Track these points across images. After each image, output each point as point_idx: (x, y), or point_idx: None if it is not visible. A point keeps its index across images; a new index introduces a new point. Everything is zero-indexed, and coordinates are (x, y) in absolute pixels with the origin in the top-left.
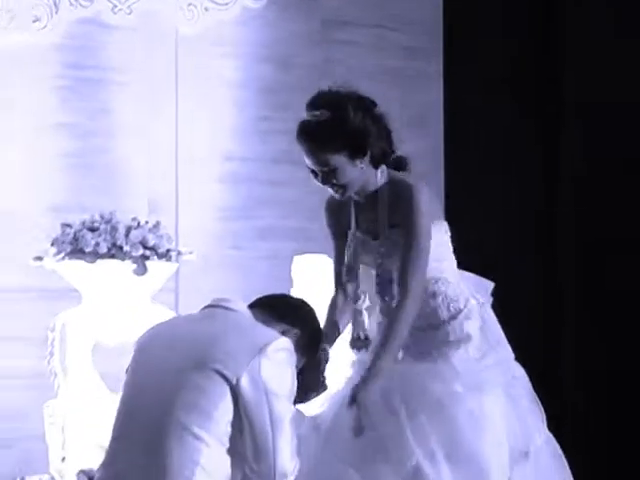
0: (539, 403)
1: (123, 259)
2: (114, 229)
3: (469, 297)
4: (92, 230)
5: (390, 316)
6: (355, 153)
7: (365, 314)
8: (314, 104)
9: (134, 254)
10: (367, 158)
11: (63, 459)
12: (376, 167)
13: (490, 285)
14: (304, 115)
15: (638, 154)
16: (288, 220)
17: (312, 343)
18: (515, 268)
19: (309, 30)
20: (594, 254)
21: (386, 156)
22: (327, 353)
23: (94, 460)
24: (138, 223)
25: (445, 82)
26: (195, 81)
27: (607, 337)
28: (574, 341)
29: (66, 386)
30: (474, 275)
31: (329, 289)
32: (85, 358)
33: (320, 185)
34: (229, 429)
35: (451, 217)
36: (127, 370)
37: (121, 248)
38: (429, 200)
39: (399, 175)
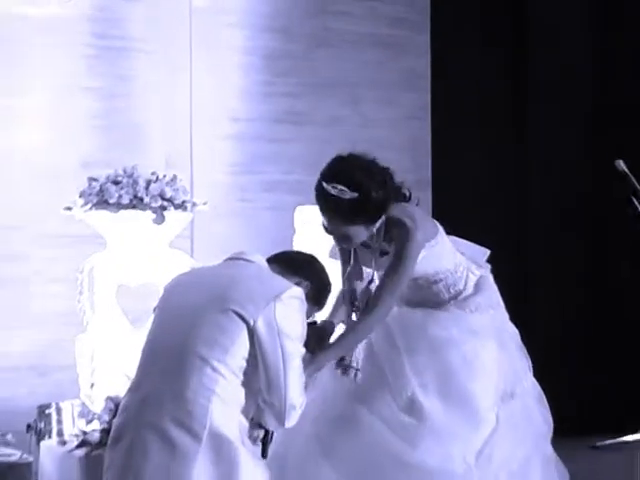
0: (527, 354)
1: (143, 209)
2: (135, 182)
3: (468, 275)
4: (116, 183)
5: (360, 317)
6: (372, 223)
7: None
8: (336, 178)
9: (153, 205)
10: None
11: (92, 386)
12: None
13: (486, 253)
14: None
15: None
16: (290, 175)
17: (321, 295)
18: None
19: (308, 2)
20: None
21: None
22: (333, 325)
23: (120, 387)
24: (157, 177)
25: (432, 49)
26: (207, 49)
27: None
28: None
29: (94, 322)
30: (471, 244)
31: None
32: (110, 297)
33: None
34: (244, 364)
35: (437, 154)
36: (154, 309)
37: (142, 199)
38: (422, 232)
39: (397, 212)
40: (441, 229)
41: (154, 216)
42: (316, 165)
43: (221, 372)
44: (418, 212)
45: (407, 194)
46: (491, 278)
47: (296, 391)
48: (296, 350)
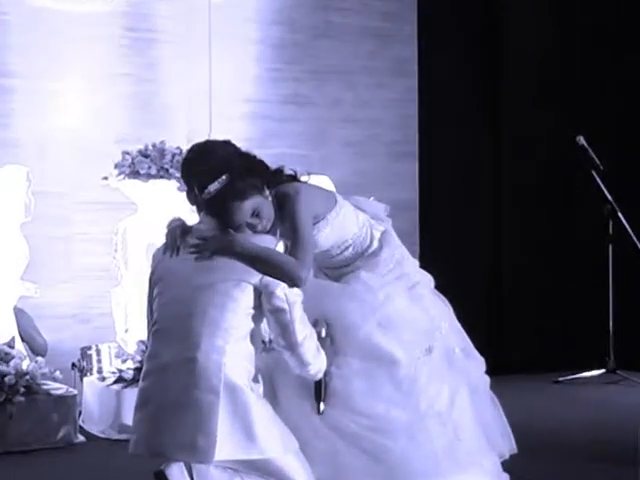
0: (440, 295)
1: (169, 179)
2: (162, 156)
3: (372, 233)
4: (145, 156)
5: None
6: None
7: None
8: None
9: (177, 175)
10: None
11: (126, 330)
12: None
13: (387, 208)
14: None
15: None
16: (295, 149)
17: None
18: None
19: None
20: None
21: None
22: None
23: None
24: (181, 151)
25: (418, 39)
26: (223, 39)
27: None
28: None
29: (127, 276)
30: (371, 201)
31: None
32: (140, 255)
33: None
34: (249, 322)
35: (422, 130)
36: (155, 281)
37: (167, 170)
38: (305, 192)
39: (281, 188)
40: (339, 198)
41: (178, 185)
42: (317, 141)
43: (230, 332)
44: (306, 185)
45: (293, 173)
46: (393, 232)
47: (301, 330)
48: (296, 296)
